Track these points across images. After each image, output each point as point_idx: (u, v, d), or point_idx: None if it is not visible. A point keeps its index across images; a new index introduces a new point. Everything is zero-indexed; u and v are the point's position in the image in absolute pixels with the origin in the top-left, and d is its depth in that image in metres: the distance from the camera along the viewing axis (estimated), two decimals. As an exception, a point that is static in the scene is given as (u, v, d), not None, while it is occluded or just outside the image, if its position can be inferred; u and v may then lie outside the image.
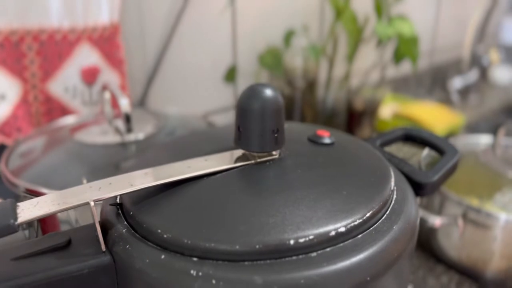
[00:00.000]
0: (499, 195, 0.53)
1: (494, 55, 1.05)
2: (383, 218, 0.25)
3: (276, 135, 0.27)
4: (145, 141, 0.43)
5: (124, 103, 0.41)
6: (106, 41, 0.57)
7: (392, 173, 0.28)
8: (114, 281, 0.24)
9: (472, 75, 1.02)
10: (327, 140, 0.30)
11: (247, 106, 0.26)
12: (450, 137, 0.69)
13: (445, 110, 0.89)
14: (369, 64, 0.83)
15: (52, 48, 0.53)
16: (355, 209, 0.24)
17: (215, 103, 0.72)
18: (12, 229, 0.22)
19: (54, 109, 0.56)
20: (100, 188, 0.24)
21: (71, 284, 0.23)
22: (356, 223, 0.23)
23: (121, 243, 0.24)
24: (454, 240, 0.50)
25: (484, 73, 1.05)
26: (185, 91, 0.68)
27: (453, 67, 1.06)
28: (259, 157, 0.27)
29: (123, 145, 0.42)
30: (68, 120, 0.52)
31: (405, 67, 0.94)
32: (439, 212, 0.50)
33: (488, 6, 1.04)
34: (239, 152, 0.28)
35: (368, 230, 0.23)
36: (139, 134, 0.43)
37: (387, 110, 0.89)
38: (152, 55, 0.64)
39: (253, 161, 0.27)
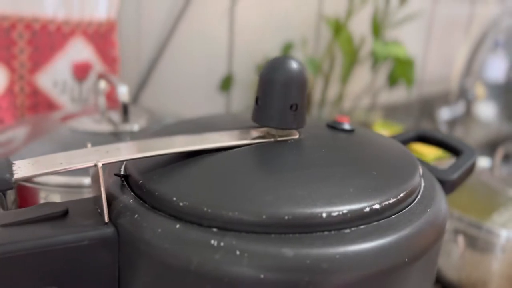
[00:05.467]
0: (496, 214, 0.52)
1: (479, 90, 1.07)
2: (415, 201, 0.23)
3: (298, 111, 0.25)
4: (139, 133, 0.40)
5: (123, 92, 0.39)
6: (101, 37, 0.55)
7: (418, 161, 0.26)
8: (115, 256, 0.21)
9: (459, 108, 1.03)
10: (347, 126, 0.28)
11: (270, 77, 0.24)
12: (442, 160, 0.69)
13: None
14: (361, 87, 0.83)
15: (44, 38, 0.50)
16: (388, 189, 0.22)
17: (206, 112, 0.70)
18: (7, 184, 0.19)
19: (41, 103, 0.53)
20: (107, 151, 0.22)
21: (65, 257, 0.21)
22: (390, 201, 0.21)
23: (127, 213, 0.21)
24: (453, 259, 0.48)
25: (469, 107, 1.07)
26: (176, 97, 0.66)
27: (441, 99, 1.07)
28: (279, 136, 0.25)
29: (117, 134, 0.39)
30: (55, 114, 0.49)
31: (396, 94, 0.94)
32: (438, 229, 0.49)
33: (475, 43, 1.07)
34: (257, 130, 0.26)
35: (402, 212, 0.21)
36: (134, 125, 0.41)
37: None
38: (146, 58, 0.62)
39: (272, 139, 0.25)
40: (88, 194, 0.35)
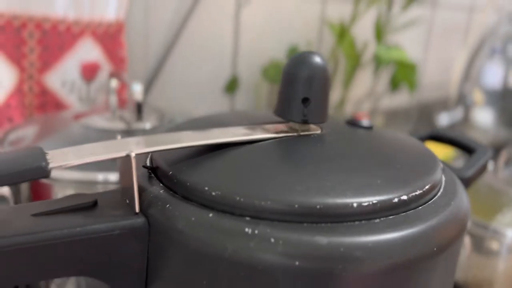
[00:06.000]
0: (500, 215, 0.53)
1: (478, 96, 1.08)
2: (439, 194, 0.23)
3: (321, 107, 0.25)
4: (151, 131, 0.40)
5: (137, 91, 0.39)
6: (110, 38, 0.55)
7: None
8: (145, 246, 0.21)
9: (458, 113, 1.04)
10: (366, 123, 0.28)
11: (293, 72, 0.25)
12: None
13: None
14: (363, 92, 0.84)
15: (54, 38, 0.51)
16: (413, 181, 0.22)
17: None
18: (43, 172, 0.19)
19: (49, 102, 0.53)
20: (138, 142, 0.22)
21: (96, 246, 0.21)
22: (417, 193, 0.21)
23: (159, 203, 0.21)
24: (459, 260, 0.48)
25: (468, 112, 1.08)
26: (182, 98, 0.66)
27: (440, 104, 1.08)
28: (302, 130, 0.26)
29: (130, 132, 0.39)
30: (65, 113, 0.49)
31: (396, 99, 0.95)
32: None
33: (473, 49, 1.08)
34: (280, 125, 0.26)
35: (427, 203, 0.22)
36: (146, 124, 0.41)
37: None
38: (153, 59, 0.62)
39: (295, 134, 0.25)
40: (101, 189, 0.35)
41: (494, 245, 0.47)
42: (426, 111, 1.05)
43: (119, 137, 0.23)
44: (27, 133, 0.42)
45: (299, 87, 0.25)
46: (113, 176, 0.36)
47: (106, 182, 0.36)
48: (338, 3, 0.81)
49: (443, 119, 1.01)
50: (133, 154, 0.20)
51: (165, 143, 0.22)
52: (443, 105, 1.07)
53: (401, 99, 0.97)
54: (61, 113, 0.48)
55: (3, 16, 0.47)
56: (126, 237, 0.21)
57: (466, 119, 1.10)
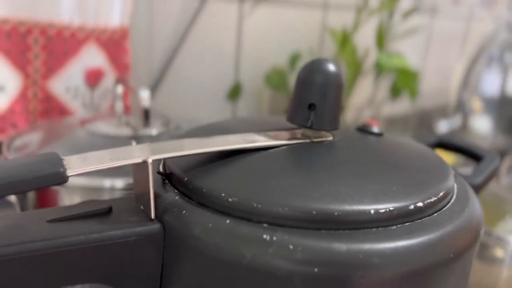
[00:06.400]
0: (502, 222, 0.53)
1: (476, 104, 1.09)
2: (452, 201, 0.23)
3: (334, 113, 0.25)
4: (157, 137, 0.40)
5: (144, 96, 0.39)
6: (114, 44, 0.55)
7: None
8: (160, 252, 0.21)
9: (457, 121, 1.05)
10: (376, 130, 0.29)
11: (307, 79, 0.25)
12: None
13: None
14: (364, 99, 0.84)
15: (59, 44, 0.51)
16: (428, 188, 0.22)
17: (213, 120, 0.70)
18: (61, 178, 0.19)
19: (53, 108, 0.52)
20: (153, 149, 0.22)
21: (111, 253, 0.21)
22: (432, 200, 0.21)
23: (174, 209, 0.21)
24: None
25: (466, 120, 1.09)
26: (185, 105, 0.66)
27: (439, 112, 1.09)
28: (315, 137, 0.26)
29: (136, 138, 0.39)
30: (70, 119, 0.49)
31: (396, 107, 0.95)
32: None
33: (471, 57, 1.09)
34: (292, 131, 0.26)
35: (442, 210, 0.22)
36: (152, 130, 0.41)
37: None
38: (157, 66, 0.62)
39: (308, 140, 0.26)
40: (107, 196, 0.35)
41: (497, 252, 0.47)
42: (425, 119, 1.06)
43: (134, 143, 0.23)
44: (32, 139, 0.42)
45: (312, 94, 0.25)
46: (120, 183, 0.36)
47: (112, 189, 0.36)
48: (339, 11, 0.82)
49: (442, 127, 1.02)
50: (150, 160, 0.20)
51: (180, 149, 0.22)
52: (442, 112, 1.07)
53: (401, 106, 0.98)
54: (65, 119, 0.48)
55: (9, 22, 0.47)
56: (142, 243, 0.21)
57: (464, 127, 1.10)
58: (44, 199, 0.37)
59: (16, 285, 0.19)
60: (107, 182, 0.36)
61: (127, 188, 0.34)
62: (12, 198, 0.40)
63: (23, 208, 0.36)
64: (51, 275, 0.20)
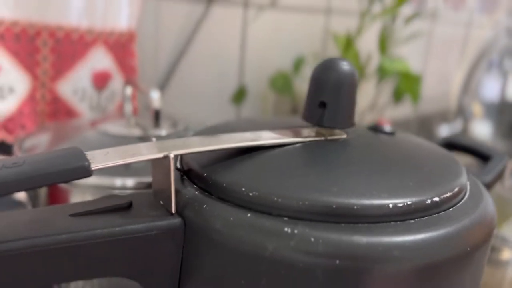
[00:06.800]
0: (506, 224, 0.53)
1: (477, 109, 1.10)
2: (466, 197, 0.24)
3: (348, 112, 0.26)
4: (167, 138, 0.41)
5: (155, 98, 0.39)
6: (122, 47, 0.55)
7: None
8: (180, 246, 0.22)
9: (457, 125, 1.05)
10: (388, 129, 0.29)
11: (322, 78, 0.25)
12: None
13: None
14: (366, 103, 0.85)
15: (67, 47, 0.51)
16: (443, 183, 0.23)
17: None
18: (86, 172, 0.19)
19: (60, 110, 0.53)
20: (174, 145, 0.22)
21: (133, 246, 0.21)
22: (447, 195, 0.22)
23: (195, 204, 0.21)
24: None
25: (467, 125, 1.09)
26: (190, 108, 0.67)
27: (440, 117, 1.09)
28: (329, 135, 0.26)
29: (147, 139, 0.40)
30: (78, 121, 0.49)
31: (398, 111, 0.96)
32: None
33: (472, 62, 1.10)
34: (307, 129, 0.27)
35: (457, 205, 0.22)
36: (162, 131, 0.41)
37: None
38: (163, 69, 0.63)
39: (322, 138, 0.26)
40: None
41: (502, 253, 0.47)
42: (426, 123, 1.07)
43: (154, 139, 0.24)
44: (42, 140, 0.42)
45: (325, 92, 0.25)
46: (130, 182, 0.36)
47: (123, 188, 0.36)
48: (342, 16, 0.82)
49: (443, 131, 1.03)
50: (171, 155, 0.21)
51: (200, 145, 0.23)
52: (443, 117, 1.08)
53: (402, 111, 0.98)
54: (73, 120, 0.49)
55: (18, 24, 0.47)
56: (163, 237, 0.21)
57: (465, 131, 1.11)
58: (55, 198, 0.37)
59: (41, 277, 0.20)
60: (118, 182, 0.36)
61: (139, 187, 0.35)
62: (23, 197, 0.40)
63: (34, 207, 0.36)
64: (72, 268, 0.20)
